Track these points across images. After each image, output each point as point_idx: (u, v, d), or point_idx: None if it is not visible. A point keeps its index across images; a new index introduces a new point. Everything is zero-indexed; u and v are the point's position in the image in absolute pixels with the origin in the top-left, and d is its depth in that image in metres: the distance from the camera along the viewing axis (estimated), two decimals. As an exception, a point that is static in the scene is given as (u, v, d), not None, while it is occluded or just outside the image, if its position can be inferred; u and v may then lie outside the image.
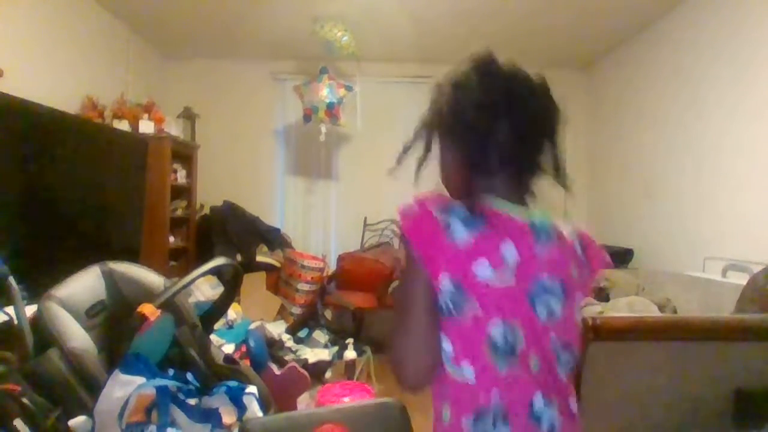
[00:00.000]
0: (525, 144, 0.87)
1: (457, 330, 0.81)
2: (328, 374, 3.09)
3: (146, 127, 3.71)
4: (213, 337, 2.58)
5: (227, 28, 4.09)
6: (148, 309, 1.83)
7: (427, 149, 0.94)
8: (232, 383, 1.95)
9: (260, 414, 1.91)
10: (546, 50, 4.37)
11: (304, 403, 2.58)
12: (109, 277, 2.12)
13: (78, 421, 1.60)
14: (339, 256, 4.52)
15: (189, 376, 1.96)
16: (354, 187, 4.90)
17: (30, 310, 1.81)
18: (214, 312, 2.40)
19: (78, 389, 1.68)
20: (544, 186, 0.90)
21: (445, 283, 0.79)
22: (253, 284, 3.98)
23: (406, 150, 0.96)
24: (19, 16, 2.89)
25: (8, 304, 1.76)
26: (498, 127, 0.84)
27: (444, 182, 0.95)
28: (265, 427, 1.63)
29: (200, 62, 4.84)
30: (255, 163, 4.88)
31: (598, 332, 1.45)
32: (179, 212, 4.12)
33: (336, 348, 3.47)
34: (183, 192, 4.21)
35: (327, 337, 3.70)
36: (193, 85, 4.81)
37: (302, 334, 3.67)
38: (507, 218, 0.83)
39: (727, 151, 3.04)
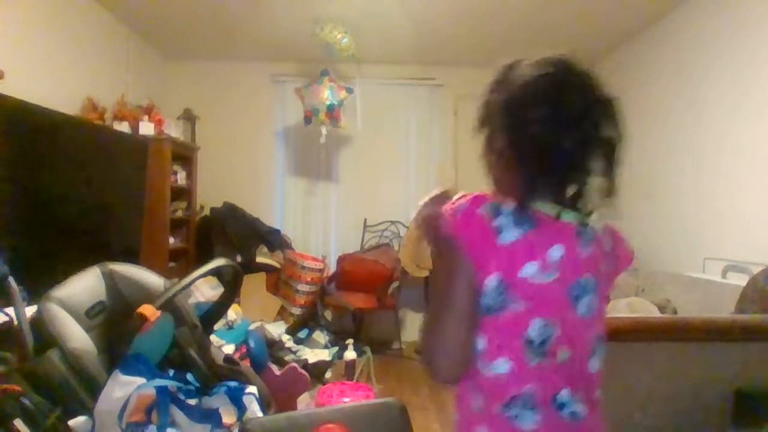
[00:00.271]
0: (585, 155, 0.86)
1: (494, 327, 0.83)
2: (328, 374, 3.09)
3: (146, 128, 3.72)
4: (213, 337, 2.58)
5: (227, 29, 4.09)
6: (148, 310, 1.83)
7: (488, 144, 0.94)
8: (232, 383, 1.95)
9: (260, 414, 1.91)
10: (546, 50, 4.36)
11: (304, 403, 2.58)
12: (109, 278, 2.12)
13: (78, 421, 1.60)
14: (339, 257, 4.53)
15: (189, 376, 1.96)
16: (354, 189, 4.91)
17: (30, 310, 1.81)
18: (214, 313, 2.40)
19: (78, 390, 1.68)
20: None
21: (491, 282, 0.81)
22: (253, 285, 3.99)
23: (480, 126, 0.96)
24: (19, 17, 2.89)
25: (8, 305, 1.76)
26: (563, 139, 0.84)
27: (491, 177, 0.96)
28: (265, 427, 1.63)
29: (200, 64, 4.84)
30: (255, 165, 4.88)
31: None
32: (179, 213, 4.12)
33: (336, 348, 3.47)
34: (183, 193, 4.21)
35: (327, 337, 3.71)
36: (193, 87, 4.82)
37: (302, 334, 3.67)
38: (554, 220, 0.84)
39: (727, 151, 3.04)
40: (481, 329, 0.83)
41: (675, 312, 2.75)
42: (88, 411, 1.64)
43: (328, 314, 4.34)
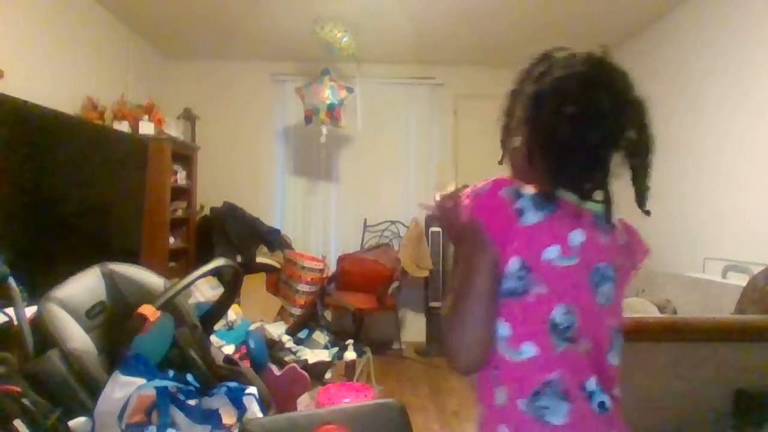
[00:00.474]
0: (608, 154, 0.87)
1: (517, 311, 0.83)
2: (328, 375, 3.09)
3: (146, 128, 3.72)
4: (213, 338, 2.58)
5: (227, 29, 4.09)
6: (148, 310, 1.82)
7: (510, 117, 0.96)
8: (232, 384, 1.95)
9: (260, 415, 1.91)
10: (545, 50, 4.36)
11: (304, 403, 2.57)
12: (110, 278, 2.12)
13: (78, 421, 1.60)
14: (339, 257, 4.53)
15: (189, 376, 1.96)
16: (354, 188, 4.91)
17: (30, 310, 1.81)
18: (214, 313, 2.40)
19: (78, 390, 1.68)
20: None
21: (513, 264, 0.81)
22: (253, 285, 3.98)
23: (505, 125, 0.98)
24: (19, 16, 2.89)
25: (8, 305, 1.76)
26: (587, 138, 0.85)
27: (513, 166, 0.96)
28: (265, 427, 1.63)
29: (200, 63, 4.84)
30: (255, 164, 4.88)
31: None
32: (179, 213, 4.12)
33: (336, 349, 3.47)
34: (183, 193, 4.21)
35: (327, 337, 3.71)
36: (193, 86, 4.82)
37: (302, 334, 3.67)
38: (575, 206, 0.85)
39: (727, 151, 3.04)
40: (504, 314, 0.83)
41: (675, 312, 2.75)
42: (88, 411, 1.64)
43: (328, 314, 4.34)
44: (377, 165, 4.91)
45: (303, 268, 4.00)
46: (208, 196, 4.48)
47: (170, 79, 4.81)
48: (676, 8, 3.52)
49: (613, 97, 0.85)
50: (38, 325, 1.76)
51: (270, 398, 2.11)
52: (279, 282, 4.14)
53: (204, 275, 2.13)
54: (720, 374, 1.57)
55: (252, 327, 3.14)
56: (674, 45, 3.58)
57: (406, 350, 4.51)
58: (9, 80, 2.59)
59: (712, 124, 3.17)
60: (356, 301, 4.13)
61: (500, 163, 1.01)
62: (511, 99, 0.96)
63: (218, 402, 1.86)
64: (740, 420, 1.54)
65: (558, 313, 0.82)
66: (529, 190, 0.84)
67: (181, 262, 4.11)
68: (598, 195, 0.88)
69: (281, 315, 3.97)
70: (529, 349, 0.82)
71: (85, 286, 2.01)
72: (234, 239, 4.19)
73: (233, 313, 3.18)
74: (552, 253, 0.81)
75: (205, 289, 3.33)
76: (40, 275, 1.99)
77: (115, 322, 2.03)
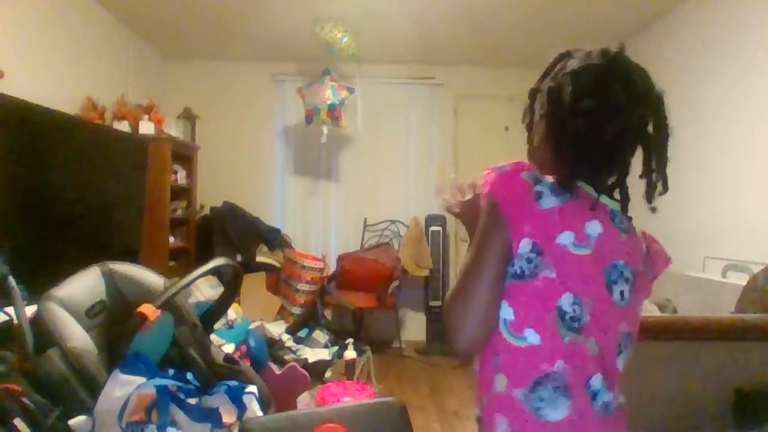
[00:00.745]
0: (626, 147, 0.88)
1: (523, 295, 0.82)
2: (328, 374, 3.09)
3: (146, 127, 3.72)
4: (213, 337, 2.58)
5: (227, 29, 4.09)
6: (148, 309, 1.83)
7: (532, 115, 0.97)
8: (233, 383, 1.95)
9: (260, 413, 1.91)
10: (546, 49, 4.36)
11: (304, 402, 2.57)
12: (109, 277, 2.12)
13: (78, 420, 1.60)
14: (339, 256, 4.53)
15: (189, 375, 1.96)
16: (354, 188, 4.91)
17: (30, 310, 1.81)
18: (214, 312, 2.40)
19: (78, 389, 1.68)
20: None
21: (524, 245, 0.81)
22: (253, 284, 3.99)
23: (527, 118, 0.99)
24: (19, 16, 2.89)
25: (8, 304, 1.76)
26: (605, 131, 0.85)
27: (532, 158, 0.97)
28: (265, 426, 1.63)
29: (200, 63, 4.84)
30: (255, 164, 4.88)
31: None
32: (179, 213, 4.13)
33: (336, 348, 3.47)
34: (183, 192, 4.21)
35: (327, 336, 3.70)
36: (193, 86, 4.82)
37: (302, 333, 3.67)
38: (592, 198, 0.86)
39: (727, 151, 3.04)
40: (509, 297, 0.83)
41: (675, 311, 2.75)
42: (88, 410, 1.64)
43: (328, 313, 4.34)
44: (377, 165, 4.91)
45: (303, 267, 4.00)
46: (208, 196, 4.49)
47: (170, 79, 4.81)
48: (677, 8, 3.52)
49: (629, 90, 0.86)
50: (38, 324, 1.76)
51: (270, 397, 2.11)
52: (279, 281, 4.14)
53: (204, 274, 2.13)
54: (720, 374, 1.57)
55: (252, 326, 3.14)
56: (674, 45, 3.58)
57: (406, 349, 4.51)
58: (9, 80, 2.59)
59: (712, 124, 3.17)
60: (356, 300, 4.13)
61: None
62: (531, 98, 0.98)
63: (218, 401, 1.86)
64: (740, 420, 1.53)
65: (566, 302, 0.81)
66: (549, 178, 0.84)
67: (181, 262, 4.11)
68: (617, 193, 0.88)
69: (281, 314, 3.97)
70: (532, 336, 0.81)
71: (85, 285, 2.01)
72: (234, 238, 4.20)
73: (233, 312, 3.18)
74: (566, 238, 0.81)
75: (205, 289, 3.33)
76: (40, 274, 1.99)
77: (115, 321, 2.03)
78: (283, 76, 4.86)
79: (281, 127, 4.92)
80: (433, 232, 4.58)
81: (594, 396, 0.82)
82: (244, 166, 4.84)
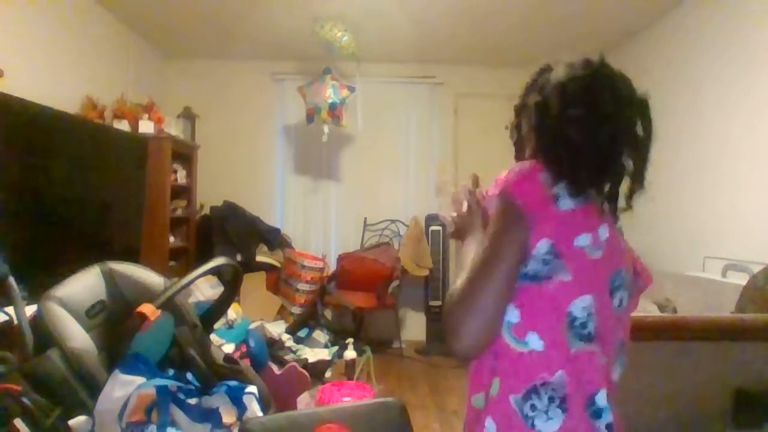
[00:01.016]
0: (618, 153, 0.88)
1: (534, 297, 0.80)
2: (328, 374, 3.09)
3: (146, 127, 3.71)
4: (213, 336, 2.58)
5: (227, 28, 4.09)
6: (148, 309, 1.83)
7: (519, 131, 0.98)
8: (232, 383, 1.95)
9: (260, 414, 1.91)
10: (546, 49, 4.36)
11: (304, 402, 2.58)
12: (109, 277, 2.12)
13: (78, 420, 1.60)
14: (339, 256, 4.52)
15: (189, 375, 1.96)
16: (354, 187, 4.90)
17: (30, 310, 1.81)
18: (214, 312, 2.40)
19: (78, 389, 1.68)
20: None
21: (541, 246, 0.79)
22: (253, 284, 3.99)
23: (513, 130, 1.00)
24: (19, 16, 2.89)
25: (8, 304, 1.76)
26: (598, 136, 0.85)
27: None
28: (265, 426, 1.63)
29: (200, 62, 4.84)
30: (255, 163, 4.88)
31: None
32: (179, 212, 4.12)
33: (336, 348, 3.47)
34: (183, 192, 4.21)
35: (327, 336, 3.71)
36: (193, 85, 4.81)
37: (302, 333, 3.68)
38: (599, 203, 0.86)
39: (727, 151, 3.04)
40: (517, 299, 0.81)
41: (675, 311, 2.75)
42: (88, 410, 1.64)
43: (328, 313, 4.34)
44: (377, 164, 4.91)
45: (303, 267, 4.00)
46: (208, 195, 4.48)
47: (170, 78, 4.80)
48: (676, 8, 3.52)
49: (615, 97, 0.86)
50: (38, 324, 1.76)
51: (270, 397, 2.11)
52: (279, 281, 4.14)
53: (204, 274, 2.13)
54: (720, 374, 1.57)
55: (252, 326, 3.14)
56: (674, 45, 3.58)
57: (406, 349, 4.51)
58: (9, 80, 2.59)
59: (712, 124, 3.17)
60: (356, 300, 4.13)
61: None
62: (517, 114, 0.98)
63: (218, 401, 1.86)
64: (740, 419, 1.53)
65: (578, 307, 0.80)
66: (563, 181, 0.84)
67: (181, 261, 4.11)
68: (614, 201, 0.88)
69: (281, 314, 3.97)
70: (535, 342, 0.79)
71: (85, 285, 2.01)
72: (234, 238, 4.19)
73: (233, 312, 3.18)
74: (584, 241, 0.80)
75: (204, 288, 3.33)
76: (40, 274, 1.99)
77: (115, 321, 2.03)
78: (283, 75, 4.86)
79: (281, 127, 4.92)
80: (433, 231, 4.58)
81: (598, 415, 0.79)
82: (244, 166, 4.84)
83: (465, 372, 0.89)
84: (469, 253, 0.88)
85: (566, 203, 0.81)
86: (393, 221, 4.78)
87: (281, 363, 2.87)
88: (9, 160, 2.31)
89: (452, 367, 4.01)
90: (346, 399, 2.45)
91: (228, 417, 1.82)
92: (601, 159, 0.86)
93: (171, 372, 1.92)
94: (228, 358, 2.25)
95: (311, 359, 3.16)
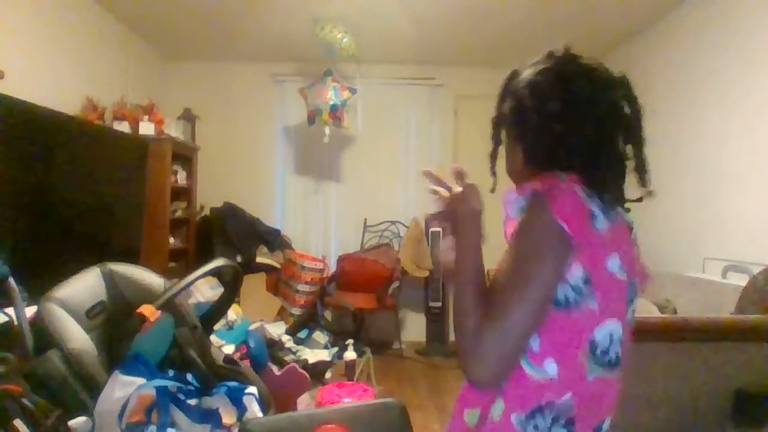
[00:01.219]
0: (609, 136, 0.83)
1: (558, 325, 0.75)
2: (328, 375, 3.09)
3: (146, 128, 3.72)
4: (213, 337, 2.58)
5: (227, 29, 4.09)
6: (148, 310, 1.83)
7: (497, 143, 0.94)
8: (232, 384, 1.95)
9: (260, 414, 1.91)
10: (546, 50, 4.37)
11: (304, 403, 2.57)
12: (109, 278, 2.12)
13: (78, 421, 1.60)
14: (339, 257, 4.53)
15: (189, 376, 1.96)
16: (354, 189, 4.91)
17: (30, 310, 1.81)
18: (214, 313, 2.40)
19: (78, 390, 1.68)
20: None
21: (576, 271, 0.74)
22: (253, 285, 3.99)
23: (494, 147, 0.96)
24: (19, 17, 2.89)
25: (8, 305, 1.76)
26: (585, 125, 0.81)
27: (518, 183, 0.89)
28: (265, 427, 1.62)
29: (200, 64, 4.84)
30: (255, 165, 4.88)
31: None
32: (179, 213, 4.12)
33: (336, 349, 3.47)
34: (183, 193, 4.21)
35: (327, 337, 3.71)
36: (193, 87, 4.82)
37: (302, 334, 3.67)
38: (625, 217, 0.82)
39: (727, 151, 3.04)
40: (540, 325, 0.75)
41: (675, 312, 2.75)
42: (88, 411, 1.64)
43: (328, 314, 4.34)
44: (377, 165, 4.91)
45: (303, 268, 4.00)
46: (208, 197, 4.49)
47: (170, 79, 4.81)
48: (676, 8, 3.52)
49: (592, 80, 0.83)
50: (38, 324, 1.76)
51: (270, 398, 2.11)
52: (279, 282, 4.14)
53: (204, 275, 2.13)
54: (720, 374, 1.57)
55: (252, 327, 3.14)
56: (674, 45, 3.58)
57: (406, 350, 4.50)
58: (9, 80, 2.59)
59: (712, 124, 3.17)
60: (356, 301, 4.13)
61: (492, 191, 0.96)
62: (495, 126, 0.94)
63: (218, 401, 1.86)
64: (740, 420, 1.53)
65: (602, 333, 0.75)
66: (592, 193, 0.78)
67: (181, 262, 4.11)
68: (623, 198, 0.85)
69: (281, 315, 3.97)
70: (552, 369, 0.75)
71: (85, 285, 2.01)
72: (234, 239, 4.19)
73: (233, 313, 3.18)
74: (614, 263, 0.76)
75: (204, 289, 3.33)
76: (40, 275, 1.99)
77: (115, 321, 2.03)
78: (283, 76, 4.86)
79: (281, 128, 4.92)
80: (433, 232, 4.58)
81: None
82: (244, 167, 4.84)
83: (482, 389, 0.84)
84: (468, 249, 0.81)
85: (601, 222, 0.75)
86: (393, 222, 4.78)
87: (281, 364, 2.87)
88: (9, 161, 2.31)
89: (452, 368, 4.01)
90: (346, 400, 2.45)
91: (228, 418, 1.82)
92: (592, 147, 0.81)
93: (171, 373, 1.92)
94: (228, 359, 2.25)
95: (311, 360, 3.16)
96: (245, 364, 2.36)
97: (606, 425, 0.79)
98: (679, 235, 3.44)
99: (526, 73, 0.87)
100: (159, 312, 1.86)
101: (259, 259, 4.23)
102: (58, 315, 1.79)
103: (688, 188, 3.35)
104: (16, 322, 1.75)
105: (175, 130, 4.03)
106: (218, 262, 2.22)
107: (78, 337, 1.78)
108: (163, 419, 1.64)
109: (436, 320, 4.59)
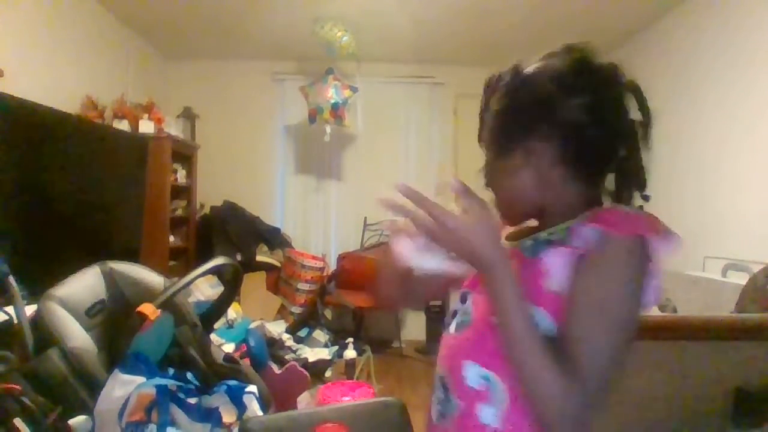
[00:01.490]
0: (623, 148, 0.78)
1: None
2: (328, 373, 3.09)
3: (146, 127, 3.72)
4: (213, 336, 2.58)
5: (227, 28, 4.09)
6: (148, 308, 1.83)
7: (505, 153, 0.81)
8: (232, 382, 1.95)
9: (260, 413, 1.91)
10: (546, 50, 4.36)
11: (304, 402, 2.58)
12: (109, 277, 2.12)
13: (78, 420, 1.60)
14: (339, 255, 4.53)
15: (189, 375, 1.96)
16: (354, 187, 4.91)
17: (30, 309, 1.81)
18: (214, 311, 2.40)
19: (78, 389, 1.68)
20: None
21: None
22: (253, 284, 3.99)
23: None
24: (20, 16, 2.89)
25: (8, 304, 1.76)
26: (614, 124, 0.77)
27: (546, 199, 0.80)
28: (265, 426, 1.62)
29: (200, 62, 4.84)
30: (255, 163, 4.88)
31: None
32: (179, 212, 4.13)
33: (336, 347, 3.47)
34: (183, 192, 4.21)
35: (327, 336, 3.71)
36: (193, 85, 4.81)
37: (302, 333, 3.68)
38: None
39: (727, 151, 3.04)
40: None
41: (675, 311, 2.75)
42: (88, 410, 1.64)
43: (328, 313, 4.34)
44: (377, 164, 4.91)
45: (303, 266, 4.00)
46: (208, 195, 4.49)
47: (170, 78, 4.80)
48: (676, 8, 3.52)
49: (613, 75, 0.79)
50: (38, 323, 1.76)
51: (270, 397, 2.11)
52: (279, 280, 4.14)
53: (204, 274, 2.13)
54: (720, 373, 1.56)
55: (252, 325, 3.14)
56: (674, 45, 3.58)
57: (406, 349, 4.51)
58: (9, 80, 2.59)
59: (712, 124, 3.17)
60: (356, 300, 4.13)
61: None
62: (503, 128, 0.84)
63: (218, 400, 1.86)
64: (740, 419, 1.53)
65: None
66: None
67: (181, 261, 4.11)
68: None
69: (281, 313, 3.97)
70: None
71: (85, 284, 2.01)
72: (234, 238, 4.20)
73: (233, 312, 3.18)
74: (651, 295, 0.73)
75: (204, 288, 3.33)
76: (40, 274, 1.99)
77: (115, 320, 2.03)
78: (283, 75, 4.86)
79: (282, 126, 4.92)
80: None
81: None
82: (245, 166, 4.84)
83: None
84: (510, 303, 0.68)
85: (665, 250, 0.72)
86: (393, 221, 4.78)
87: (281, 362, 2.88)
88: (9, 160, 2.31)
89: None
90: (346, 398, 2.45)
91: (228, 416, 1.82)
92: (622, 148, 0.77)
93: (171, 371, 1.92)
94: (228, 357, 2.25)
95: (311, 359, 3.16)
96: (245, 363, 2.36)
97: None
98: (679, 233, 3.44)
99: (545, 67, 0.80)
100: (159, 311, 1.86)
101: (259, 258, 4.23)
102: (58, 314, 1.79)
103: (688, 188, 3.35)
104: (16, 321, 1.75)
105: (175, 129, 4.03)
106: (218, 261, 2.22)
107: (78, 336, 1.78)
108: (163, 418, 1.64)
109: (435, 319, 4.59)
